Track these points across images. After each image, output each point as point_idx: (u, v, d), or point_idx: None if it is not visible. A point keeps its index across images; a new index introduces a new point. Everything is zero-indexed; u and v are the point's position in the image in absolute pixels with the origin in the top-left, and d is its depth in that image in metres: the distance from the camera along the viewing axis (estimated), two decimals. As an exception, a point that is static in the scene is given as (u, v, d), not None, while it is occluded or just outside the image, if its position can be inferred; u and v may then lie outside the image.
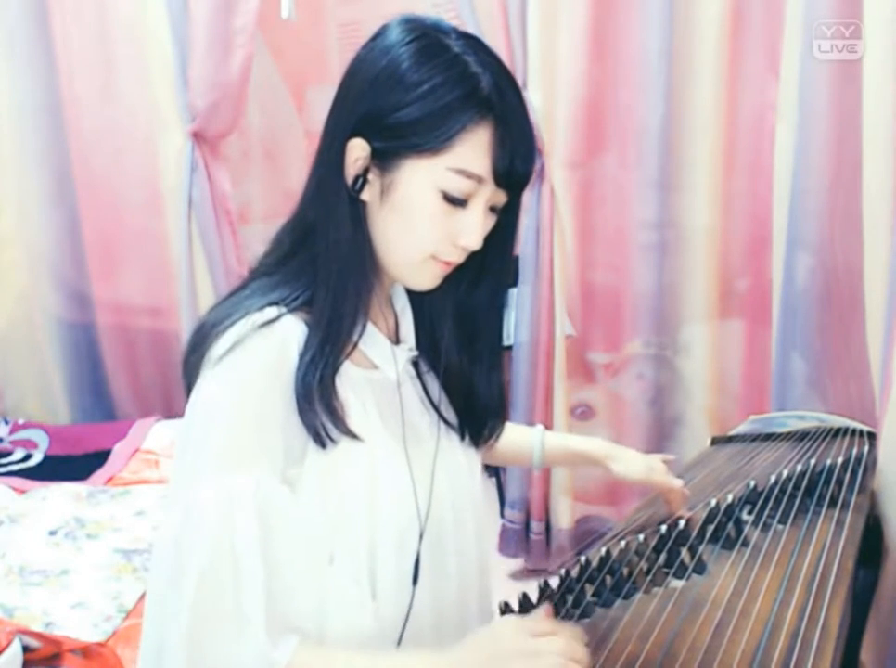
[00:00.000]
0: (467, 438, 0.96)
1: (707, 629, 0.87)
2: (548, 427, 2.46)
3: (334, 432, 0.80)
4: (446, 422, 0.95)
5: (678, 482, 1.18)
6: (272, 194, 3.09)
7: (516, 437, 1.20)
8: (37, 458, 2.42)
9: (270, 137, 3.08)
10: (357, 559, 0.83)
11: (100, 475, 2.29)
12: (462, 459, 0.96)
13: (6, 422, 2.58)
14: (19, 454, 2.44)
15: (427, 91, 0.78)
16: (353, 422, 0.82)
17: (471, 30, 2.21)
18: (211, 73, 2.41)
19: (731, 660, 0.82)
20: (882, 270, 1.47)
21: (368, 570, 0.84)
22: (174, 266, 2.60)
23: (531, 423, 2.43)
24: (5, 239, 2.63)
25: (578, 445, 1.20)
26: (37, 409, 2.73)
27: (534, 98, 2.23)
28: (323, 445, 0.80)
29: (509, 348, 2.52)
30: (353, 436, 0.82)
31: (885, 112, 1.45)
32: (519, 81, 2.21)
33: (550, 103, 2.25)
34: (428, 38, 0.81)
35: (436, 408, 0.94)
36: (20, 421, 2.60)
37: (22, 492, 2.20)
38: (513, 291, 2.51)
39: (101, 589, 1.77)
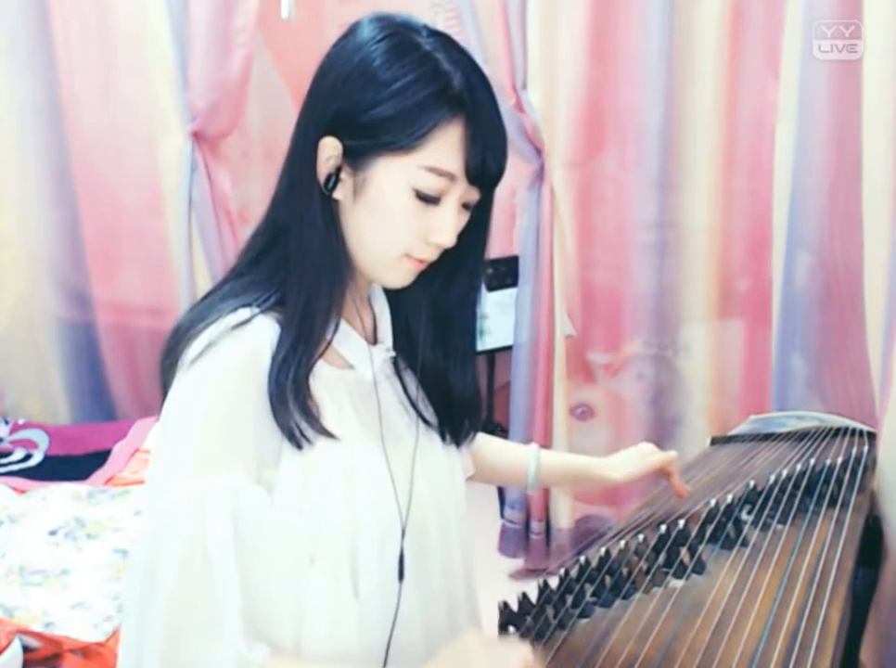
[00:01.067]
0: (447, 437, 0.96)
1: (706, 629, 0.87)
2: (548, 427, 2.47)
3: (309, 432, 0.80)
4: (425, 421, 0.95)
5: (672, 453, 1.21)
6: (272, 194, 3.09)
7: (511, 455, 1.19)
8: (37, 458, 2.43)
9: (270, 137, 3.08)
10: (338, 559, 0.83)
11: (100, 475, 2.30)
12: (443, 458, 0.95)
13: (6, 422, 2.58)
14: (18, 454, 2.44)
15: (399, 89, 0.78)
16: (329, 422, 0.82)
17: (471, 30, 2.22)
18: (211, 73, 2.41)
19: (730, 660, 0.82)
20: (882, 270, 1.47)
21: (350, 569, 0.83)
22: (174, 266, 2.60)
23: (531, 423, 2.46)
24: (5, 239, 2.63)
25: (574, 461, 1.21)
26: (37, 409, 2.73)
27: (534, 98, 2.23)
28: (298, 446, 0.80)
29: (509, 348, 2.52)
30: (329, 435, 0.81)
31: (885, 112, 1.45)
32: (519, 81, 2.22)
33: (550, 103, 2.25)
34: (400, 36, 0.81)
35: (414, 407, 0.94)
36: (20, 421, 2.60)
37: (22, 492, 2.20)
38: (513, 291, 2.52)
39: (101, 589, 1.77)
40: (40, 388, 2.73)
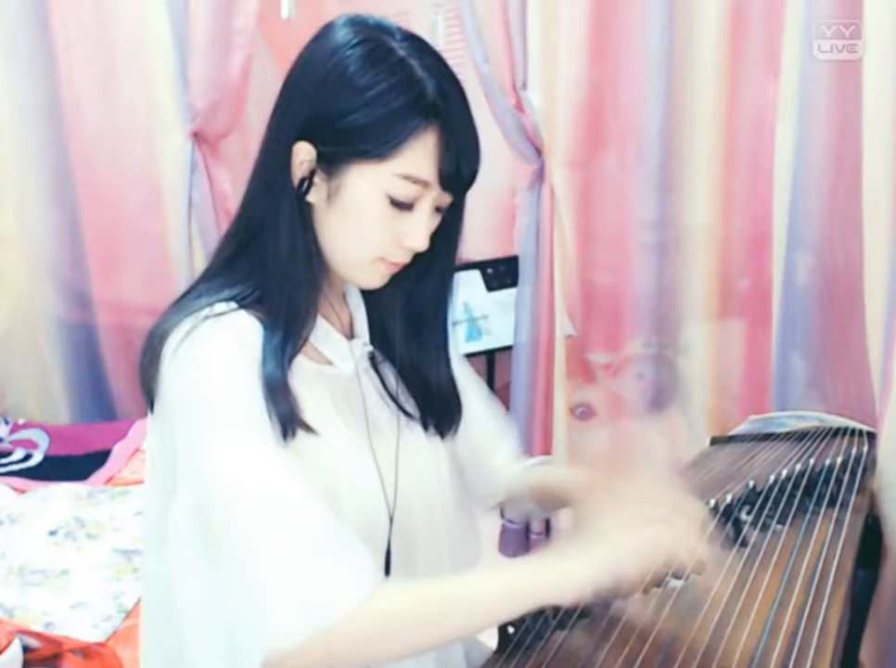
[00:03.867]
0: (431, 429, 0.97)
1: (705, 629, 0.87)
2: (548, 427, 2.47)
3: (293, 424, 0.80)
4: (406, 413, 0.95)
5: None
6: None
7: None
8: (37, 458, 2.42)
9: (270, 137, 3.08)
10: None
11: (100, 475, 2.29)
12: (427, 450, 0.96)
13: (6, 422, 2.58)
14: (19, 454, 2.44)
15: (373, 97, 0.78)
16: (308, 416, 0.82)
17: (471, 30, 2.21)
18: (211, 73, 2.42)
19: (730, 660, 0.82)
20: (882, 270, 1.47)
21: None
22: (174, 266, 2.60)
23: (531, 423, 2.46)
24: (5, 239, 2.63)
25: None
26: (37, 409, 2.73)
27: (534, 98, 2.22)
28: (284, 435, 0.80)
29: (509, 348, 2.52)
30: (308, 429, 0.81)
31: (885, 112, 1.45)
32: (519, 81, 2.21)
33: (550, 103, 2.25)
34: (374, 41, 0.80)
35: (394, 400, 0.95)
36: (20, 421, 2.60)
37: (22, 492, 2.19)
38: (513, 291, 2.52)
39: (101, 589, 1.77)
40: (40, 388, 2.73)
